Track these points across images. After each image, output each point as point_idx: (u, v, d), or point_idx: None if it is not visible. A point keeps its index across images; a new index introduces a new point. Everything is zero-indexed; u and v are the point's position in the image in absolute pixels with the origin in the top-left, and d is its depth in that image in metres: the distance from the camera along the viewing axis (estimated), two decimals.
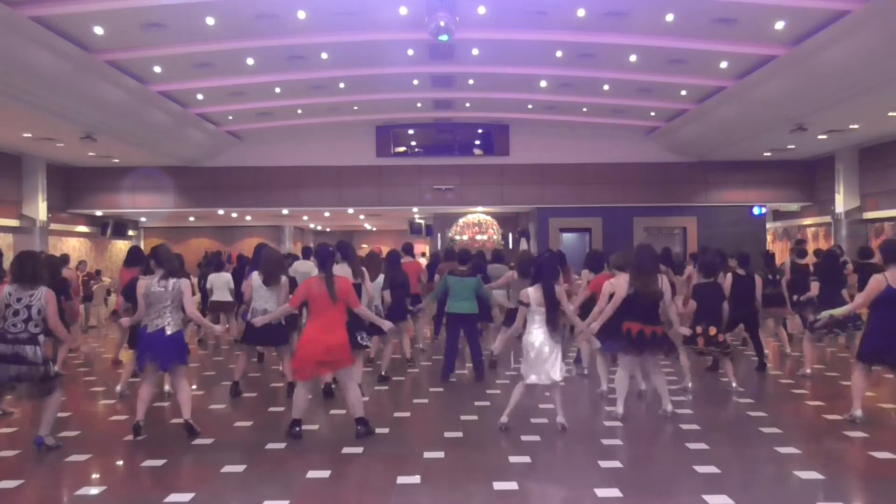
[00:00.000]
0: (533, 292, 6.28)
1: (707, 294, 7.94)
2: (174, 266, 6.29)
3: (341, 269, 7.44)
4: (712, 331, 7.72)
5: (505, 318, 9.72)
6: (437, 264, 12.68)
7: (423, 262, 15.93)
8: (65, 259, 12.65)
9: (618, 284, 6.79)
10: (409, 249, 11.14)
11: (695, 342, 7.82)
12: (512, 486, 4.87)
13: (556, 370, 6.18)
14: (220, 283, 11.89)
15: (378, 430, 6.29)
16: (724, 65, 11.99)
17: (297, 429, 6.05)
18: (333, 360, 6.01)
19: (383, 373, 8.71)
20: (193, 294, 7.02)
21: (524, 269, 8.03)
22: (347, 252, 7.87)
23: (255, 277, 7.94)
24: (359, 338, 7.35)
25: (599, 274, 8.24)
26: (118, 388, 7.91)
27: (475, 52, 12.18)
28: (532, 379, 6.21)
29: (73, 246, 19.11)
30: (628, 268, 6.84)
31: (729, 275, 8.91)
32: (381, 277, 8.64)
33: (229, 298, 11.68)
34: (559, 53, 12.04)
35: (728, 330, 8.35)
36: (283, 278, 8.01)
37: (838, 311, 7.16)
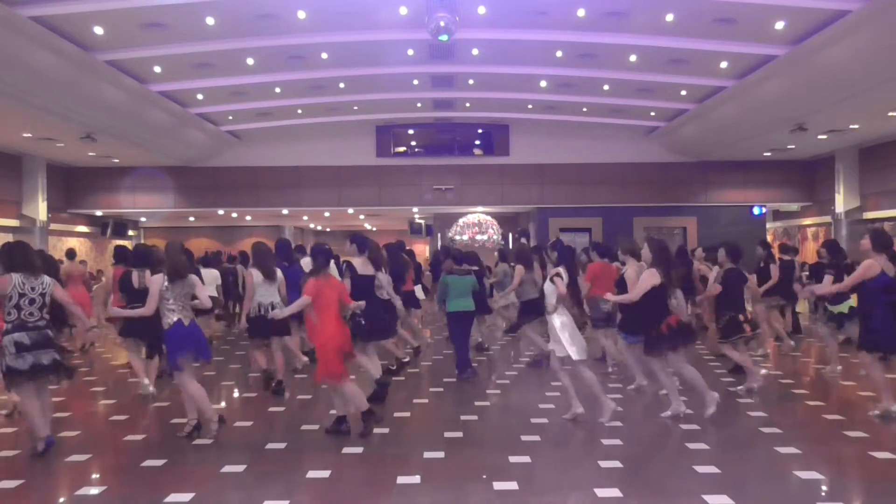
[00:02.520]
0: (564, 274, 6.52)
1: (733, 280, 7.97)
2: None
3: (363, 263, 7.60)
4: (741, 318, 7.76)
5: (519, 314, 9.59)
6: (441, 263, 12.69)
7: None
8: (69, 254, 12.70)
9: (645, 276, 6.55)
10: (402, 247, 11.20)
11: (741, 330, 7.68)
12: (512, 486, 4.87)
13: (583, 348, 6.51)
14: (209, 279, 11.87)
15: (378, 431, 6.29)
16: (724, 65, 11.99)
17: (345, 425, 6.16)
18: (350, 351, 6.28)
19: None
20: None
21: (525, 258, 8.83)
22: (364, 245, 7.85)
23: (256, 274, 7.95)
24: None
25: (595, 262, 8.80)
26: (150, 388, 7.67)
27: (475, 52, 12.18)
28: (575, 354, 6.36)
29: (73, 246, 19.09)
30: (639, 254, 7.08)
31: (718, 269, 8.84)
32: None
33: (214, 294, 11.67)
34: (559, 53, 12.04)
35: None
36: (279, 272, 8.03)
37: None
